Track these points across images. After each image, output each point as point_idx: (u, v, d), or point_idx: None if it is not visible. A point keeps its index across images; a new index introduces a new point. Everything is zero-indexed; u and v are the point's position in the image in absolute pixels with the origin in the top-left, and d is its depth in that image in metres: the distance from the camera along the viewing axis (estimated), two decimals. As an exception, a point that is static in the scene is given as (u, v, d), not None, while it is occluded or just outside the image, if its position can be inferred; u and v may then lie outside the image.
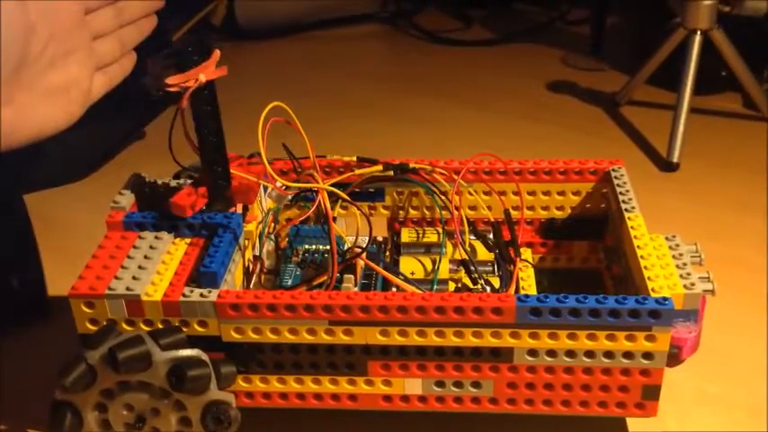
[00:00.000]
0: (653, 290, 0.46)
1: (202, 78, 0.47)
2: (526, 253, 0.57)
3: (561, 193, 0.58)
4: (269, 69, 1.16)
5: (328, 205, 0.48)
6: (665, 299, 0.44)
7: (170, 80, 0.46)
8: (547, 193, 0.58)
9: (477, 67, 1.15)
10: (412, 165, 0.56)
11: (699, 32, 0.89)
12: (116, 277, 0.46)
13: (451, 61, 1.17)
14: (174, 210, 0.49)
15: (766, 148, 0.88)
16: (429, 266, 0.53)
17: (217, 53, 0.47)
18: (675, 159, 0.85)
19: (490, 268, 0.54)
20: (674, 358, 0.48)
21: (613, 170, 0.56)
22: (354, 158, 0.57)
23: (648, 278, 0.47)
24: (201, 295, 0.46)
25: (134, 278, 0.46)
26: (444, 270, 0.53)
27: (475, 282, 0.52)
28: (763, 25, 1.00)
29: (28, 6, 0.40)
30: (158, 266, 0.48)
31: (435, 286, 0.51)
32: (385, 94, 1.07)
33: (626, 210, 0.52)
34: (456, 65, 1.16)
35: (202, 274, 0.46)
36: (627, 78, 1.01)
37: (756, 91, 0.94)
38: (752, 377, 0.58)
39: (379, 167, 0.55)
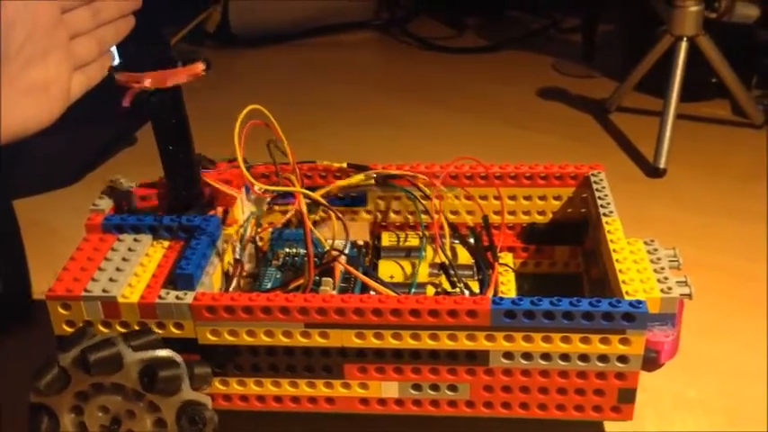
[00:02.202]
0: (627, 293, 0.46)
1: (147, 84, 0.46)
2: (507, 257, 0.58)
3: (542, 198, 0.58)
4: (262, 76, 1.17)
5: (305, 209, 0.48)
6: (638, 302, 0.45)
7: (119, 75, 0.46)
8: (528, 198, 0.58)
9: (469, 75, 1.15)
10: (394, 170, 0.56)
11: (685, 39, 0.89)
12: (93, 279, 0.47)
13: (444, 68, 1.18)
14: None
15: (766, 155, 0.88)
16: (408, 270, 0.54)
17: (199, 66, 0.47)
18: (662, 165, 0.85)
19: (470, 272, 0.54)
20: (653, 362, 0.48)
21: (593, 175, 0.56)
22: (345, 164, 0.57)
23: (623, 282, 0.47)
24: (177, 297, 0.46)
25: (111, 280, 0.46)
26: (423, 274, 0.53)
27: (454, 285, 0.52)
28: (753, 32, 1.00)
29: (5, 3, 0.41)
30: (136, 268, 0.48)
31: (413, 290, 0.51)
32: (377, 100, 1.07)
33: (604, 214, 0.52)
34: (448, 72, 1.17)
35: (178, 276, 0.46)
36: (617, 85, 1.01)
37: (744, 97, 0.94)
38: (732, 382, 0.58)
39: (362, 177, 0.55)
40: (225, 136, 0.52)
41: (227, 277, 0.53)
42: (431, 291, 0.52)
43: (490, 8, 1.35)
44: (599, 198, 0.54)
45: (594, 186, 0.55)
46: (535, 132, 0.96)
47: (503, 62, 1.19)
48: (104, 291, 0.46)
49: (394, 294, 0.47)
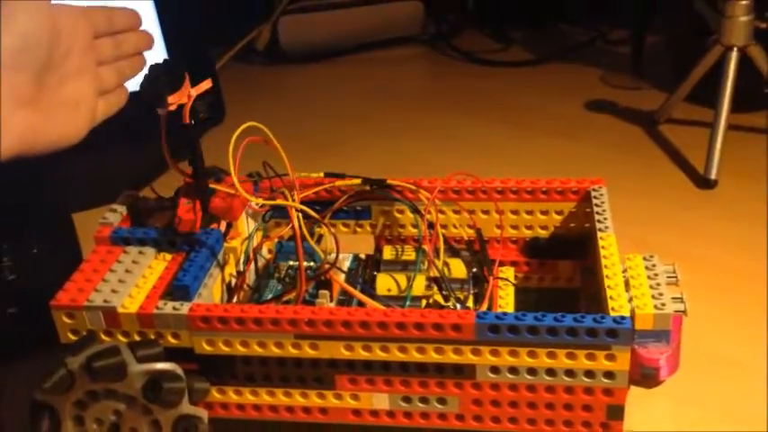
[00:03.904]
0: (613, 309, 0.46)
1: (193, 93, 0.49)
2: (508, 272, 0.58)
3: (544, 213, 0.58)
4: (312, 92, 1.19)
5: (296, 222, 0.50)
6: (623, 318, 0.44)
7: (171, 98, 0.49)
8: (530, 213, 0.58)
9: (516, 88, 1.15)
10: (393, 182, 0.57)
11: (736, 49, 0.88)
12: (96, 290, 0.49)
13: (491, 82, 1.18)
14: (182, 226, 0.51)
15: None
16: (404, 284, 0.54)
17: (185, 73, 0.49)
18: (713, 176, 0.84)
19: (465, 287, 0.54)
20: (652, 379, 0.48)
21: (593, 190, 0.56)
22: (322, 174, 0.58)
23: (610, 297, 0.47)
24: (174, 308, 0.48)
25: (113, 291, 0.49)
26: (419, 287, 0.54)
27: (447, 299, 0.52)
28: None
29: (58, 16, 0.44)
30: (138, 280, 0.50)
31: (408, 303, 0.52)
32: (425, 115, 1.08)
33: (599, 229, 0.52)
34: (495, 85, 1.17)
35: (175, 287, 0.48)
36: (666, 96, 1.00)
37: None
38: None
39: (358, 181, 0.56)
40: (272, 154, 0.54)
41: (230, 289, 0.55)
42: (425, 304, 0.53)
43: (536, 21, 1.35)
44: (596, 213, 0.54)
45: (594, 201, 0.55)
46: (583, 145, 0.96)
47: (550, 75, 1.18)
48: (105, 301, 0.48)
49: (381, 307, 0.48)
